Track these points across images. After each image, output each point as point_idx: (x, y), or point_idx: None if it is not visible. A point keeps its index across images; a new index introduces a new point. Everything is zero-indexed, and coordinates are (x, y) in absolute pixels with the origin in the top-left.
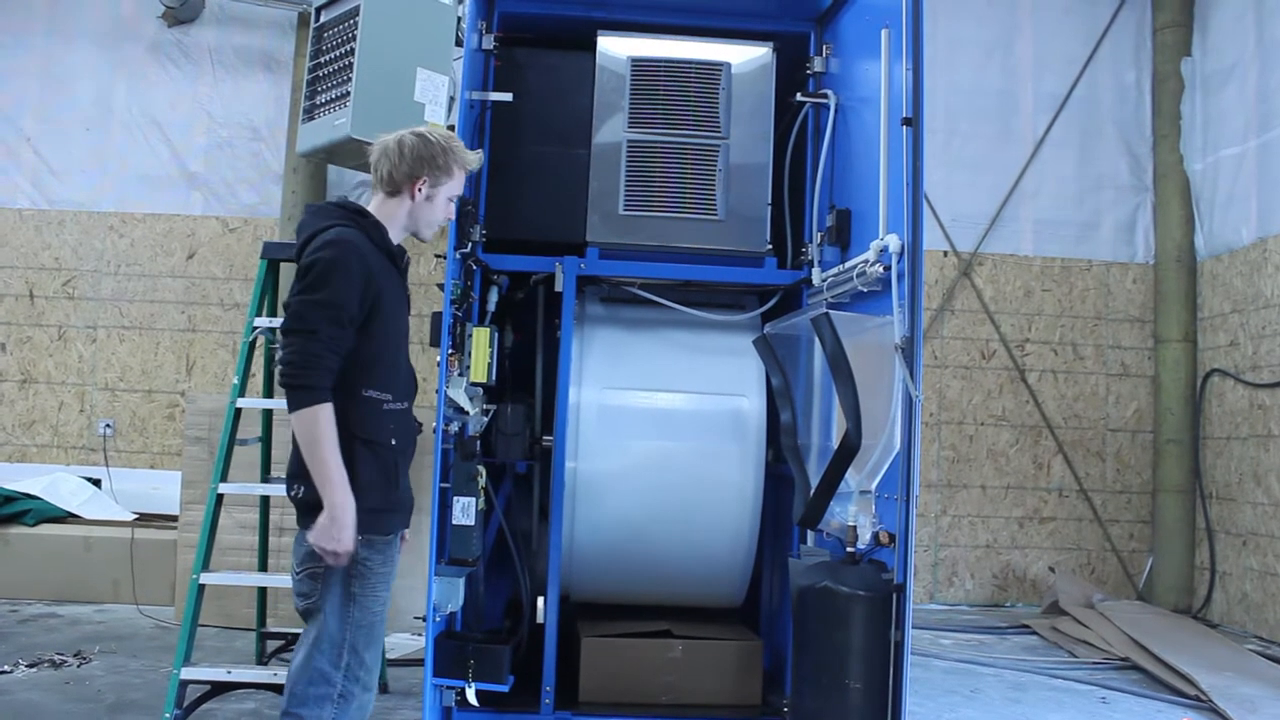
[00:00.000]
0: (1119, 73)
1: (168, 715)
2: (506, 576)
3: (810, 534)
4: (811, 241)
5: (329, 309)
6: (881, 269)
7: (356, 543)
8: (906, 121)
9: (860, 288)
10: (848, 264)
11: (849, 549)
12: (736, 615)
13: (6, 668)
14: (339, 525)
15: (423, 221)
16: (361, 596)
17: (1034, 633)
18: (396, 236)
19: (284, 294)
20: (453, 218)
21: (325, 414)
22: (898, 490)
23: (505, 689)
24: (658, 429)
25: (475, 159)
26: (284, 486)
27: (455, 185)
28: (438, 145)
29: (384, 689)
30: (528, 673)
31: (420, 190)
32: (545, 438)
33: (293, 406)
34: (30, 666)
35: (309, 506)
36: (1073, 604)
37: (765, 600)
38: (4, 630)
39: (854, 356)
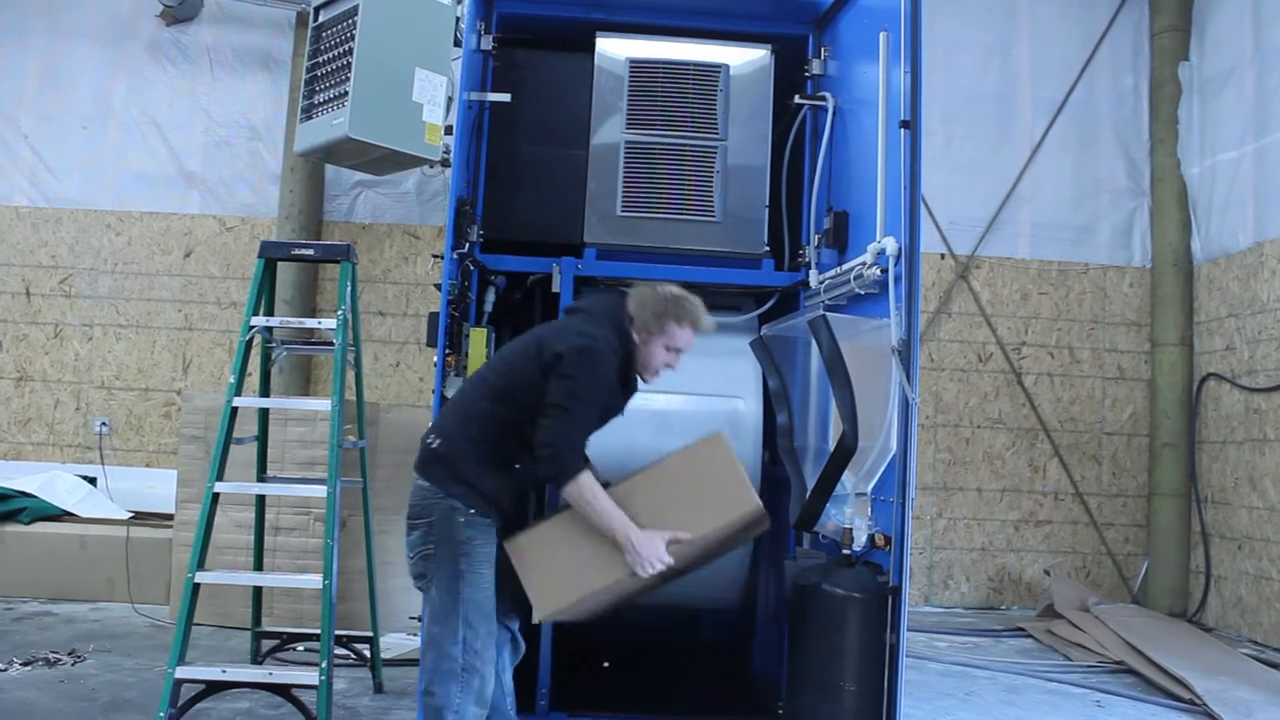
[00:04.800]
0: (1117, 77)
1: (162, 714)
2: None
3: (806, 536)
4: (809, 244)
5: None
6: (879, 271)
7: (461, 524)
8: (905, 124)
9: (857, 290)
10: (845, 266)
11: (845, 551)
12: (732, 617)
13: (1, 666)
14: (635, 552)
15: (639, 362)
16: (469, 573)
17: (1029, 636)
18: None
19: (281, 293)
20: (673, 367)
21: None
22: (894, 493)
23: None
24: (654, 430)
25: (706, 323)
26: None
27: (673, 339)
28: (664, 300)
29: (379, 689)
30: (521, 674)
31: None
32: None
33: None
34: (25, 665)
35: (437, 459)
36: (1068, 607)
37: (760, 602)
38: None
39: (851, 359)
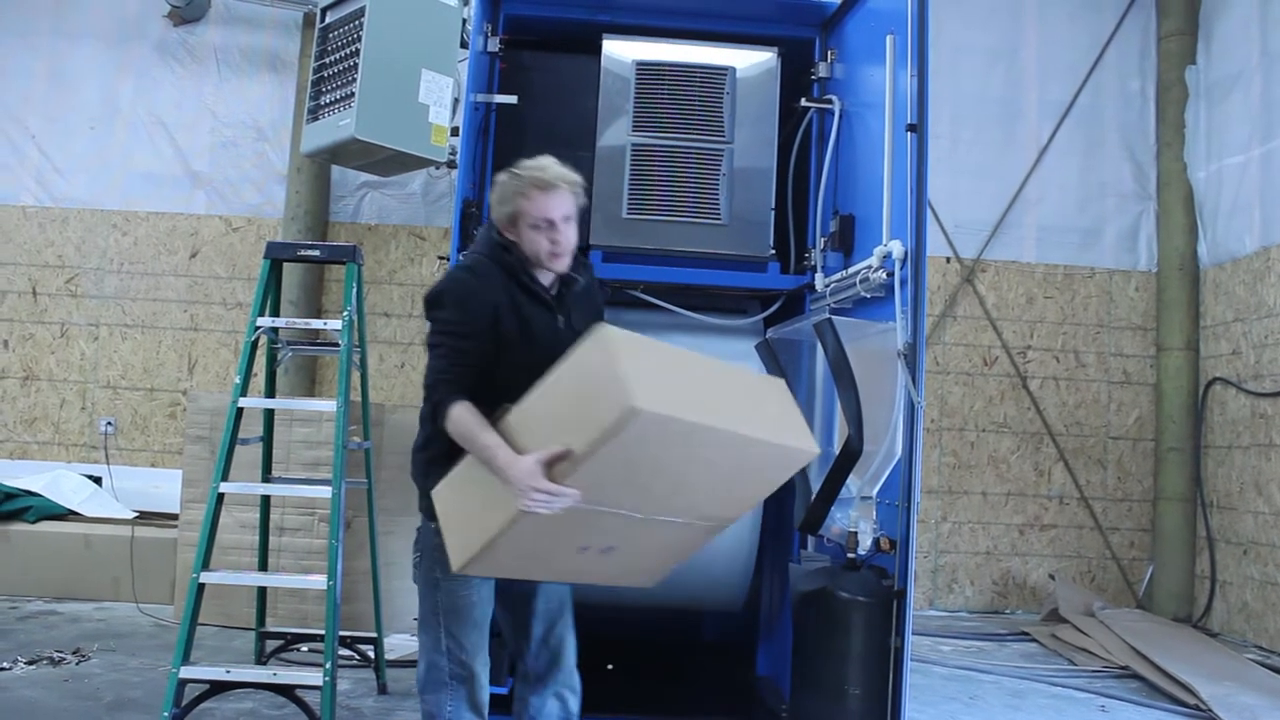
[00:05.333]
0: (1123, 80)
1: (166, 714)
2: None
3: (810, 539)
4: (815, 247)
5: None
6: (885, 275)
7: (432, 529)
8: (911, 128)
9: (863, 293)
10: (851, 270)
11: (849, 555)
12: (737, 620)
13: (5, 665)
14: (509, 481)
15: (529, 259)
16: (445, 581)
17: (1034, 640)
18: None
19: (286, 293)
20: (550, 239)
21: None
22: (899, 496)
23: (504, 691)
24: None
25: (550, 175)
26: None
27: (531, 215)
28: (504, 185)
29: (383, 690)
30: None
31: (510, 234)
32: None
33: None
34: (29, 664)
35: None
36: (1073, 612)
37: (765, 605)
38: (4, 627)
39: (856, 362)
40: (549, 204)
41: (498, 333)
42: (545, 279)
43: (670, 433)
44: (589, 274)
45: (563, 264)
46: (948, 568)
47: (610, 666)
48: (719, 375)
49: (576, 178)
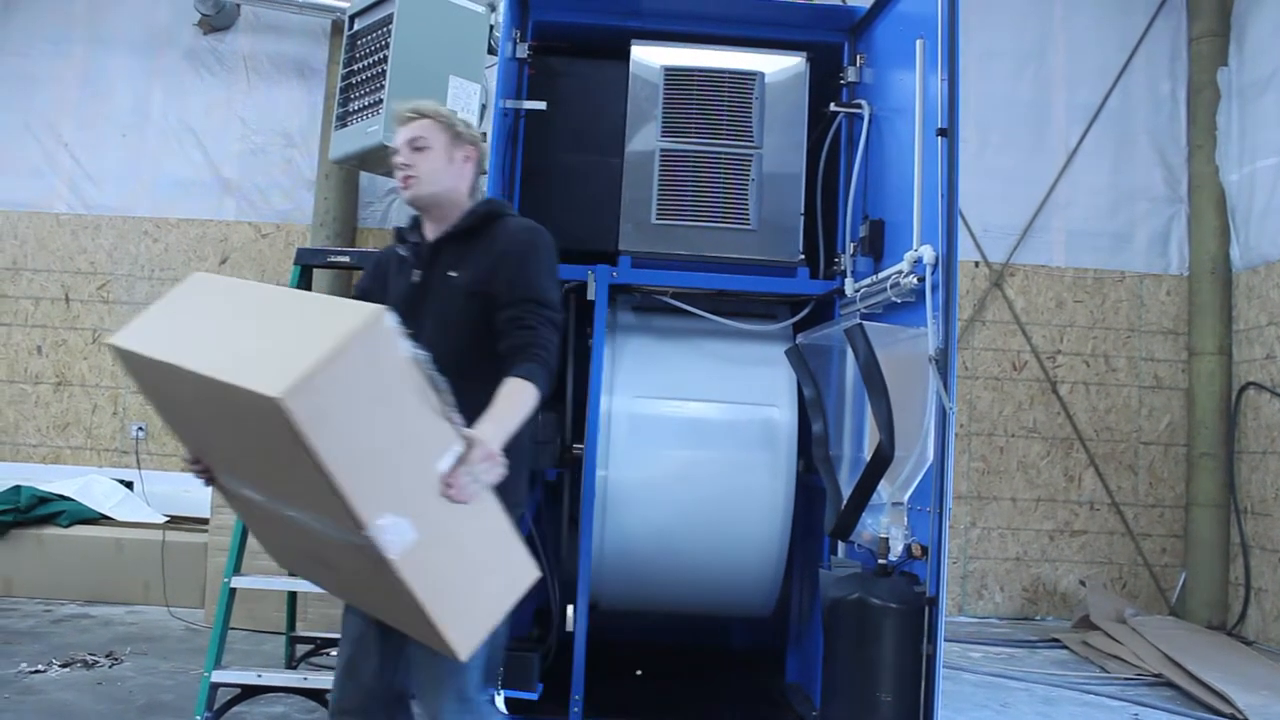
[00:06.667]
0: (1154, 83)
1: (199, 717)
2: (534, 585)
3: (841, 545)
4: (844, 252)
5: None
6: (915, 280)
7: None
8: (941, 132)
9: (894, 299)
10: (881, 275)
11: (881, 561)
12: (766, 626)
13: (40, 667)
14: None
15: None
16: None
17: (1064, 647)
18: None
19: None
20: (405, 165)
21: None
22: (930, 502)
23: (535, 696)
24: (689, 438)
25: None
26: None
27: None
28: None
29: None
30: (555, 681)
31: None
32: (575, 446)
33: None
34: (64, 666)
35: None
36: (1104, 618)
37: (794, 611)
38: (38, 630)
39: (887, 368)
40: (400, 132)
41: (371, 296)
42: (432, 231)
43: (160, 375)
44: (517, 235)
45: (410, 189)
46: (977, 574)
47: (639, 672)
48: (274, 308)
49: (440, 109)
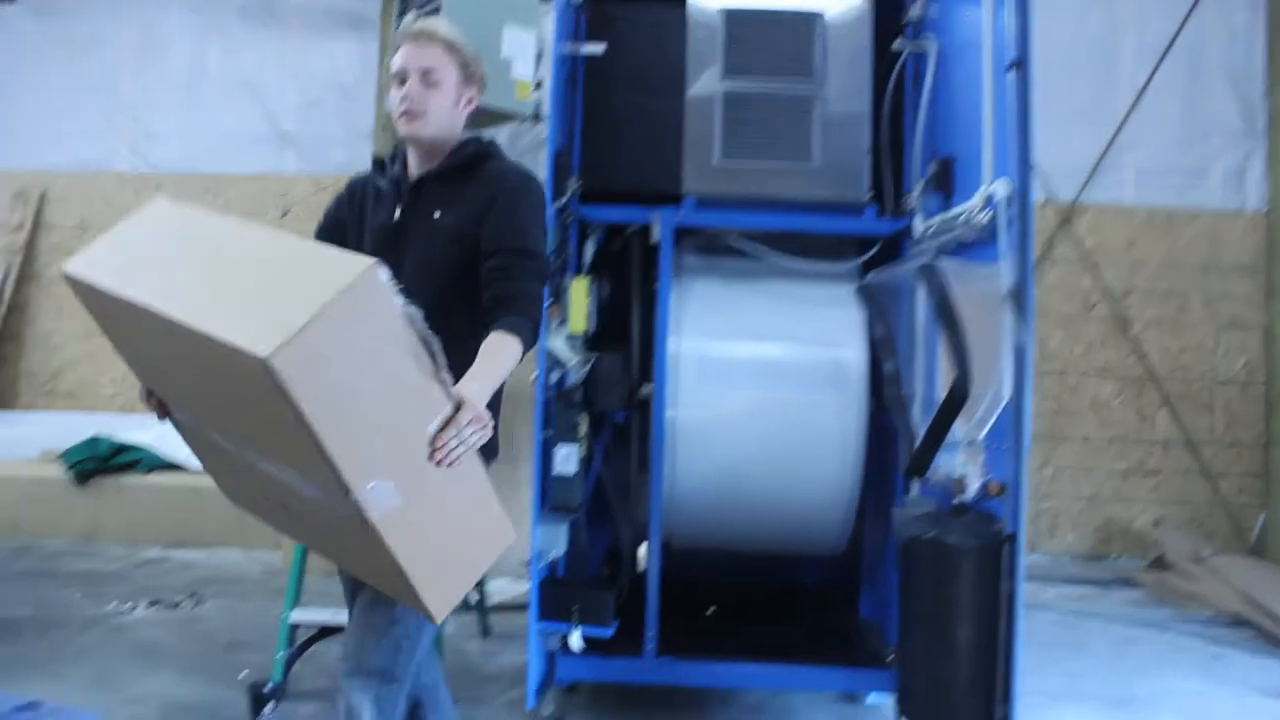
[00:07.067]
0: (1228, 15)
1: (280, 654)
2: (604, 525)
3: (915, 484)
4: (912, 190)
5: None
6: (988, 216)
7: None
8: (1015, 65)
9: (965, 236)
10: (951, 212)
11: (956, 500)
12: (839, 564)
13: (129, 605)
14: None
15: None
16: None
17: (1139, 586)
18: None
19: None
20: (400, 96)
21: None
22: (1006, 440)
23: (609, 634)
24: (758, 379)
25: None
26: None
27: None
28: None
29: (486, 633)
30: (628, 619)
31: None
32: (644, 387)
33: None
34: (150, 606)
35: None
36: (1181, 558)
37: (868, 549)
38: (123, 573)
39: (960, 306)
40: (405, 54)
41: (344, 225)
42: (416, 167)
43: (122, 311)
44: (508, 180)
45: (413, 127)
46: (1049, 513)
47: (711, 610)
48: (253, 251)
49: (455, 35)
